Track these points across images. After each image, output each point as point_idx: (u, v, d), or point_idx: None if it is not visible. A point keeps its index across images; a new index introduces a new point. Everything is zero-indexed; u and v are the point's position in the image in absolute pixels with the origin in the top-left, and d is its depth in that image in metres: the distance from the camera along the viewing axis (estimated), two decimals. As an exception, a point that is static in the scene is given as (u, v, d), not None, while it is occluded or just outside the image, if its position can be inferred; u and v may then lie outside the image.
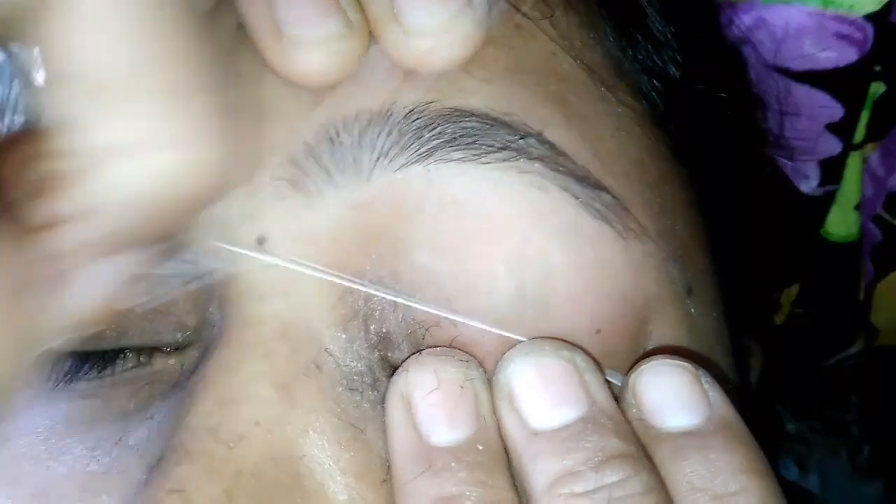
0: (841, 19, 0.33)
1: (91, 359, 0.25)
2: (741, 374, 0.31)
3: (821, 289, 0.39)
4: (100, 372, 0.25)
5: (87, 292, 0.19)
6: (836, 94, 0.34)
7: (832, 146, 0.36)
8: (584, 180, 0.24)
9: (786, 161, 0.36)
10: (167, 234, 0.19)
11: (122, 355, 0.25)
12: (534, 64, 0.25)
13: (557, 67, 0.26)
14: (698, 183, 0.29)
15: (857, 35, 0.33)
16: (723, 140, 0.32)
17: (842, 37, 0.32)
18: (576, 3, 0.27)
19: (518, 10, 0.26)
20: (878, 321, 0.38)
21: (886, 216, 0.36)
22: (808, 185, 0.37)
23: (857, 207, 0.37)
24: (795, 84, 0.34)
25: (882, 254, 0.37)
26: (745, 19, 0.35)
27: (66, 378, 0.25)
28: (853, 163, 0.36)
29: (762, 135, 0.36)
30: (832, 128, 0.35)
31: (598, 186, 0.24)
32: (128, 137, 0.17)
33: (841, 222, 0.37)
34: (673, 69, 0.29)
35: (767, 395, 0.38)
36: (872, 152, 0.36)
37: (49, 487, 0.24)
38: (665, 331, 0.25)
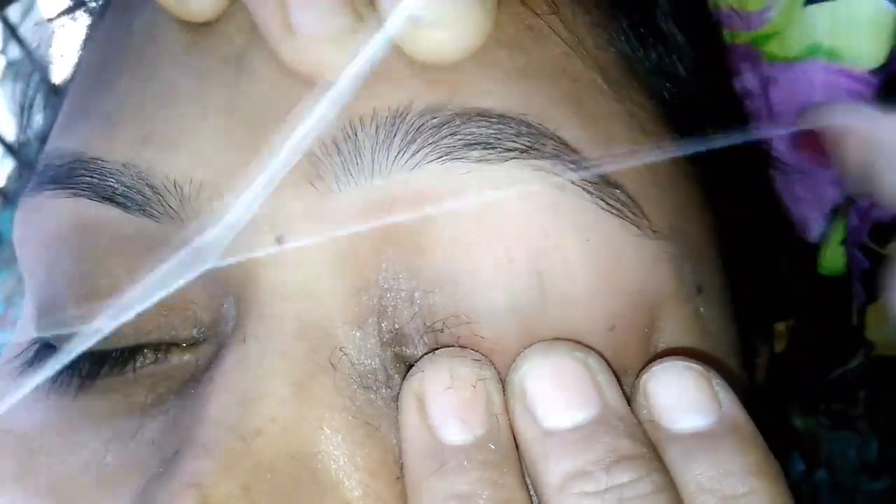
0: (848, 74, 0.32)
1: (111, 357, 0.26)
2: (749, 372, 0.31)
3: (814, 319, 0.39)
4: (121, 369, 0.26)
5: None
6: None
7: (837, 196, 0.36)
8: (599, 178, 0.24)
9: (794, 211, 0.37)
10: None
11: (140, 352, 0.25)
12: (547, 65, 0.25)
13: (570, 68, 0.26)
14: (710, 182, 0.29)
15: (866, 91, 0.32)
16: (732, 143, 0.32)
17: (852, 92, 0.32)
18: (587, 3, 0.27)
19: (529, 7, 0.26)
20: (873, 338, 0.39)
21: (872, 245, 0.37)
22: (812, 234, 0.37)
23: (842, 242, 0.37)
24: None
25: (871, 279, 0.37)
26: (751, 77, 0.34)
27: (87, 377, 0.26)
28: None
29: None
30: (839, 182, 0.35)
31: (613, 185, 0.24)
32: None
33: (829, 257, 0.38)
34: (682, 70, 0.29)
35: (775, 392, 0.38)
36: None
37: (65, 480, 0.24)
38: (675, 328, 0.25)
